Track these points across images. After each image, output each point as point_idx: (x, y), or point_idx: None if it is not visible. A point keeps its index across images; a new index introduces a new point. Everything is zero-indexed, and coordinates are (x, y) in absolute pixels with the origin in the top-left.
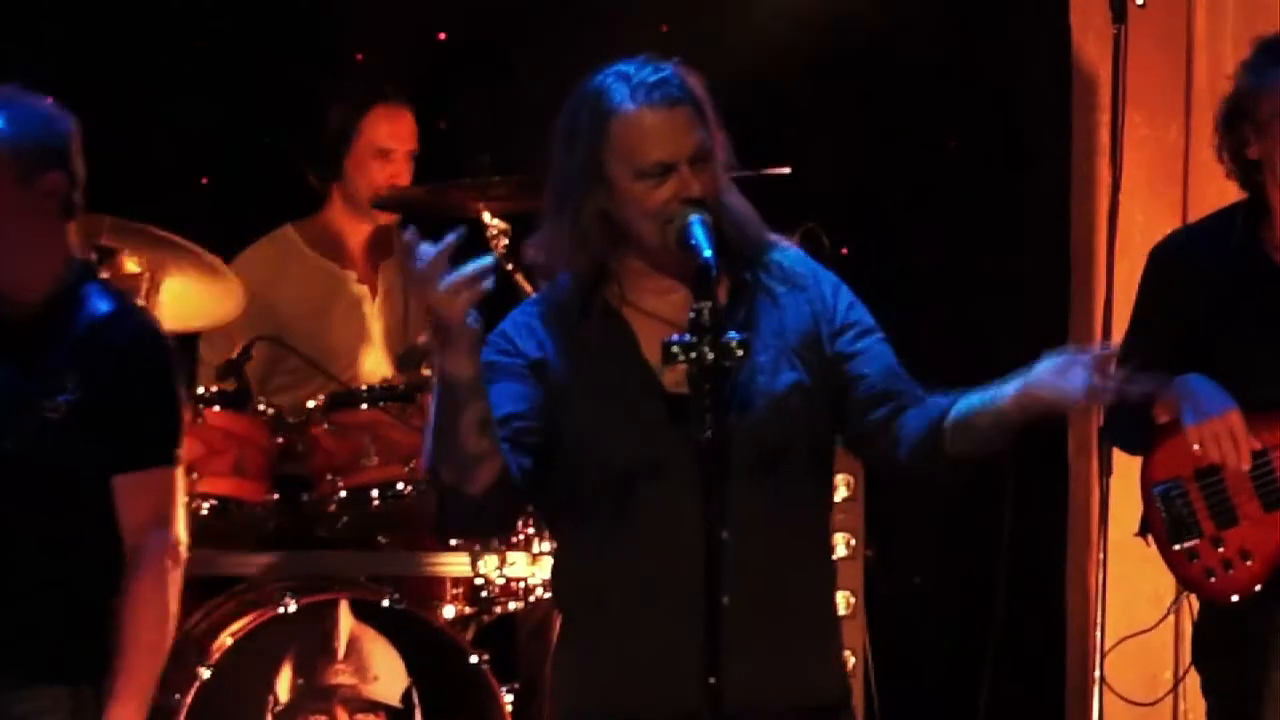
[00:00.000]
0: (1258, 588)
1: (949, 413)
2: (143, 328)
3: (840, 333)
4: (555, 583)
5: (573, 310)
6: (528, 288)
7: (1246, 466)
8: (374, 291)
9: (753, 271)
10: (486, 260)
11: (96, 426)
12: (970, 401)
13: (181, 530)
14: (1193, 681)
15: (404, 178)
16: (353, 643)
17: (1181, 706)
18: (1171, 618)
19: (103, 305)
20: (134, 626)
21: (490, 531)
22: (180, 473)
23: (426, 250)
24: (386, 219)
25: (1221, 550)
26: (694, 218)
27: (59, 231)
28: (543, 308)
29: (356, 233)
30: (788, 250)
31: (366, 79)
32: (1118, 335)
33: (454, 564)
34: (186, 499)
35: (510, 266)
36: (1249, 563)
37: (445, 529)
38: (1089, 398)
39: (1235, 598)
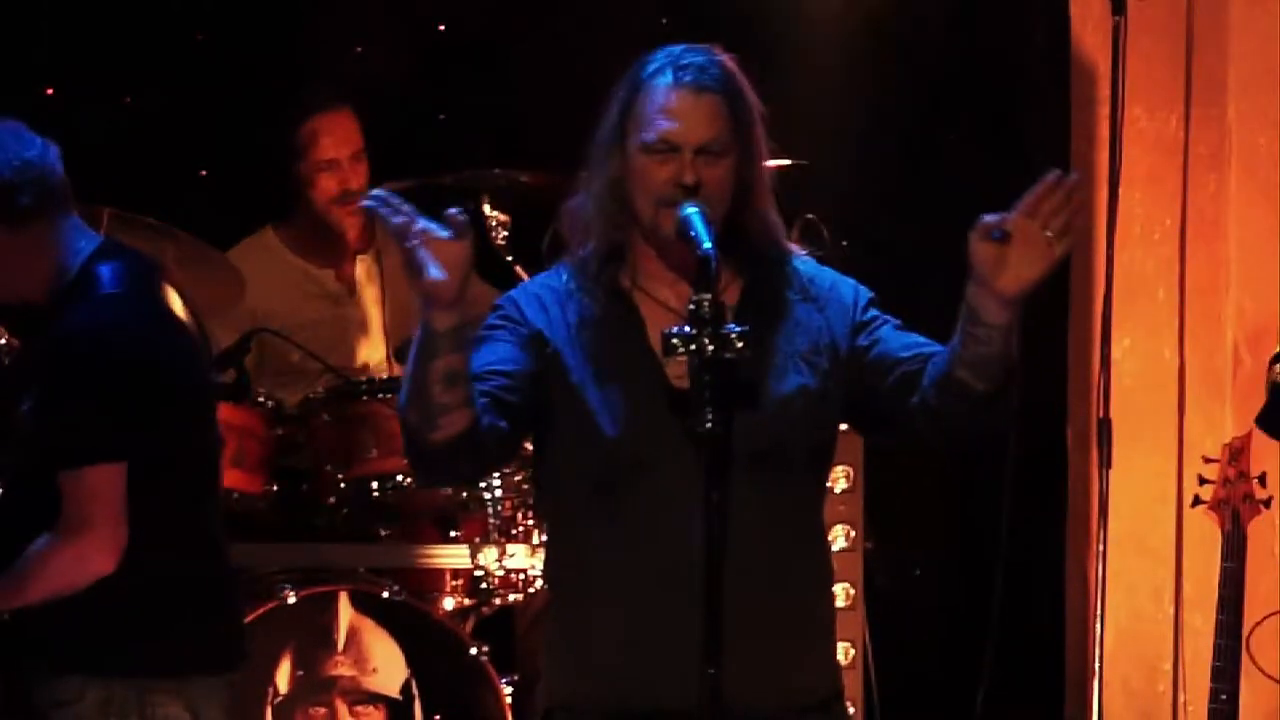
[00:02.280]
0: None
1: (948, 362)
2: (86, 322)
3: (860, 329)
4: (548, 570)
5: (585, 287)
6: (526, 280)
7: None
8: (353, 287)
9: (768, 276)
10: (457, 215)
11: (40, 429)
12: (951, 346)
13: (102, 532)
14: (1192, 674)
15: (355, 180)
16: (352, 634)
17: (1181, 698)
18: (1170, 610)
19: (82, 297)
20: (31, 563)
21: (450, 480)
22: (100, 473)
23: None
24: (351, 228)
25: None
26: (693, 210)
27: (45, 233)
28: (558, 281)
29: (337, 229)
30: (806, 261)
31: (303, 88)
32: (1118, 327)
33: (453, 556)
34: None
35: (510, 259)
36: None
37: (411, 466)
38: (992, 239)
39: None
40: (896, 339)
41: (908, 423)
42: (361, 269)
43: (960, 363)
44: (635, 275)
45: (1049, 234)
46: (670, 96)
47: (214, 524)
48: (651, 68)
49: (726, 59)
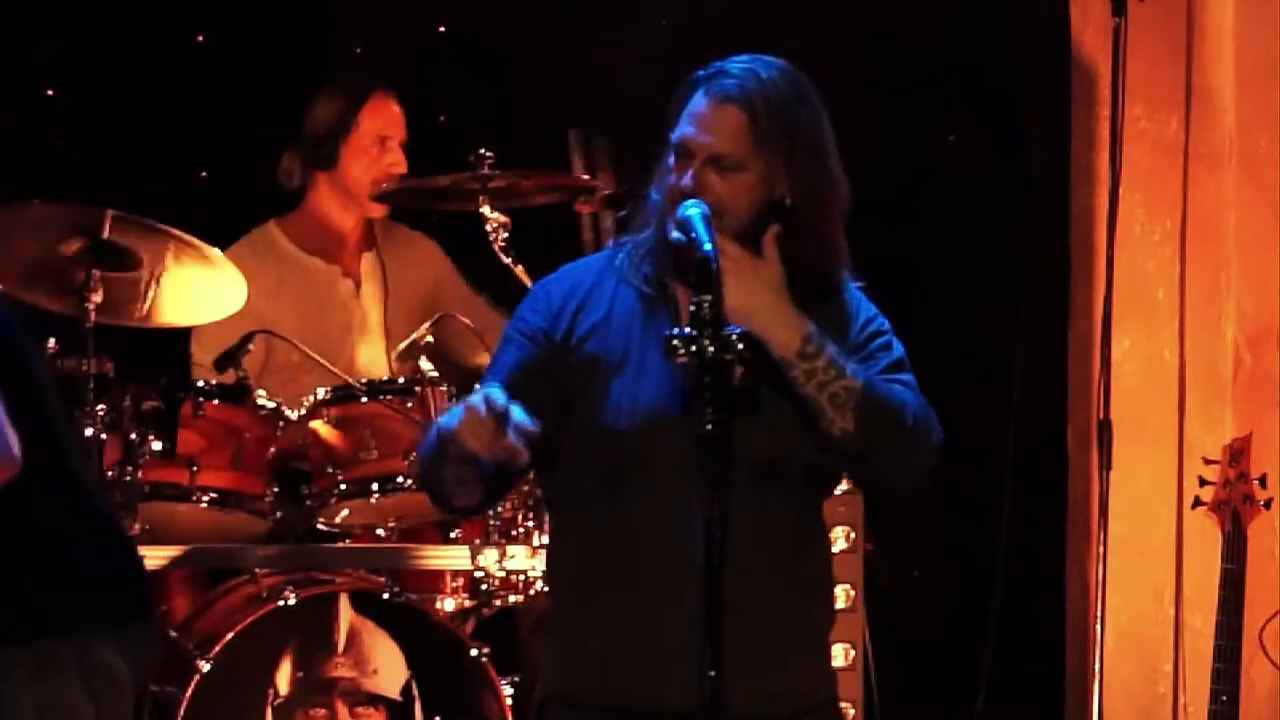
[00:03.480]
0: None
1: None
2: None
3: (853, 352)
4: (548, 562)
5: (633, 272)
6: (526, 281)
7: None
8: (358, 284)
9: (801, 295)
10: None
11: None
12: None
13: None
14: (1192, 674)
15: (403, 165)
16: (352, 636)
17: (1181, 699)
18: (1171, 611)
19: None
20: None
21: (472, 516)
22: None
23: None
24: (375, 210)
25: None
26: (694, 211)
27: None
28: (610, 261)
29: (343, 224)
30: (853, 291)
31: (361, 68)
32: (1118, 328)
33: (454, 557)
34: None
35: (510, 260)
36: None
37: (434, 505)
38: None
39: None
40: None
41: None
42: (365, 265)
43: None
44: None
45: None
46: (699, 102)
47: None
48: (707, 72)
49: (779, 73)
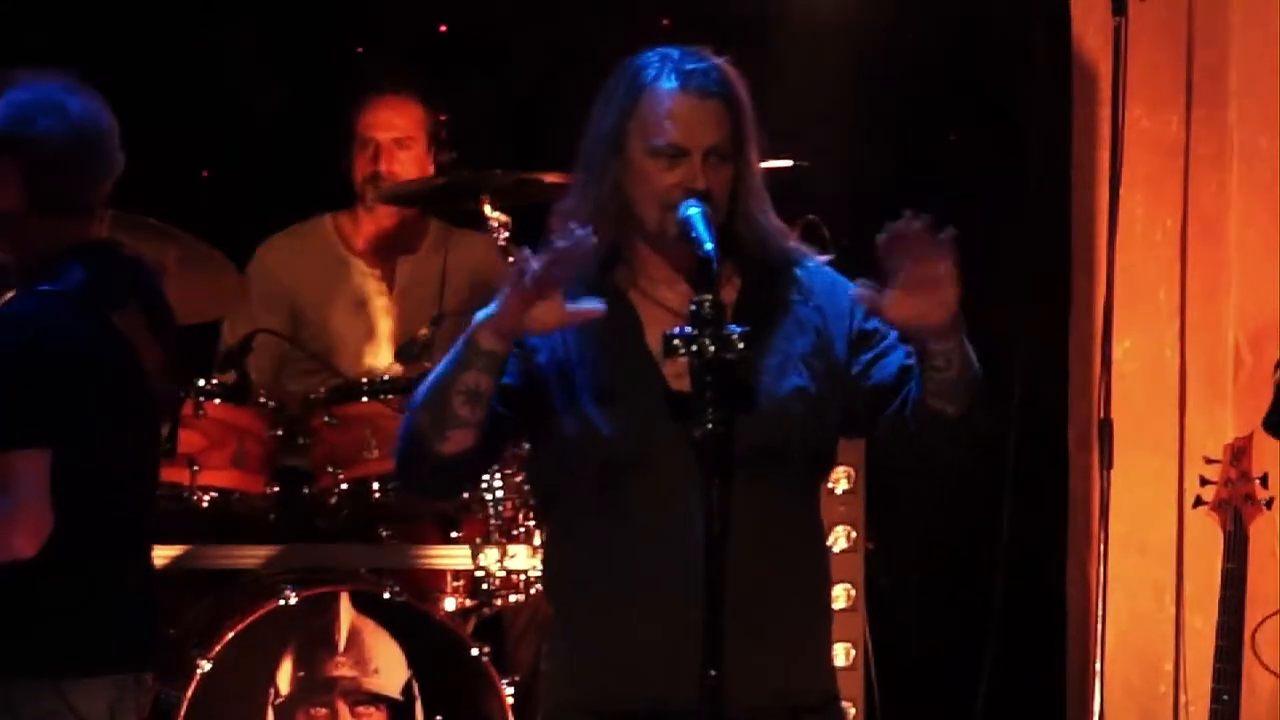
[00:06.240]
0: None
1: (920, 396)
2: (14, 313)
3: (859, 342)
4: (546, 572)
5: (583, 288)
6: None
7: None
8: (391, 285)
9: (767, 277)
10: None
11: None
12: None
13: (26, 516)
14: (1193, 674)
15: (393, 165)
16: (353, 635)
17: (1182, 699)
18: (1172, 611)
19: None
20: None
21: (436, 494)
22: (24, 458)
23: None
24: (406, 212)
25: None
26: (695, 210)
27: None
28: None
29: (377, 224)
30: (810, 265)
31: (367, 72)
32: (1119, 327)
33: (454, 557)
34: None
35: (511, 260)
36: None
37: (400, 472)
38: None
39: None
40: (893, 363)
41: (894, 443)
42: (404, 269)
43: (929, 393)
44: (634, 276)
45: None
46: (678, 101)
47: (127, 530)
48: (652, 72)
49: (725, 63)
